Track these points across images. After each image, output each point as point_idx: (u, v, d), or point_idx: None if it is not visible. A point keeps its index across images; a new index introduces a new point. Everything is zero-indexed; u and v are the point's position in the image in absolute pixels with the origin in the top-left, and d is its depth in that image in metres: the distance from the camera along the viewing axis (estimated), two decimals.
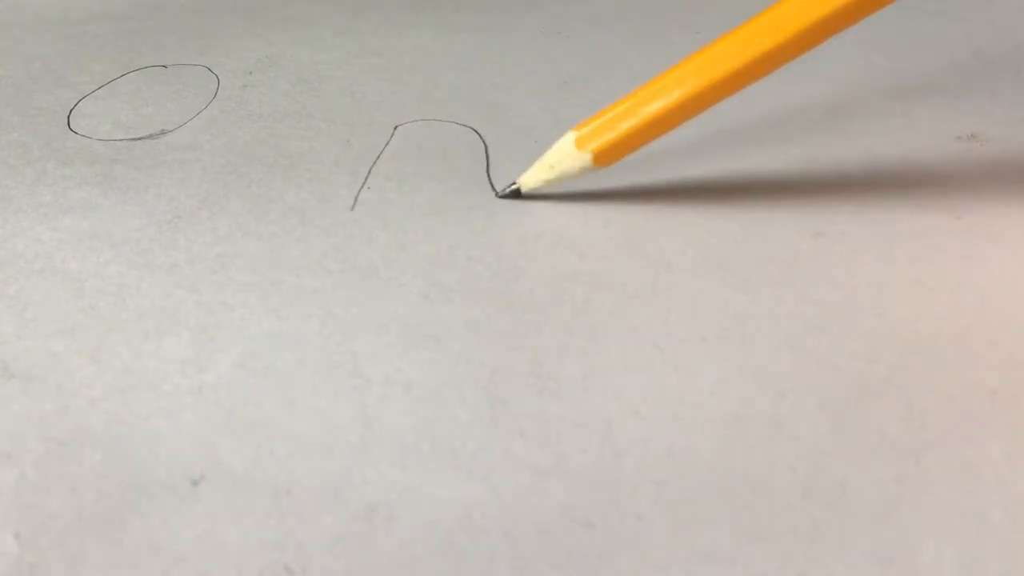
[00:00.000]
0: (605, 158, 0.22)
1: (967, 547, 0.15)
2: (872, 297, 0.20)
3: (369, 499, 0.16)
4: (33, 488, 0.16)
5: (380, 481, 0.16)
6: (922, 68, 0.29)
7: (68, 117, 0.28)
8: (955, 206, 0.22)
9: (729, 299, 0.20)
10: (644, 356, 0.18)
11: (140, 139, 0.26)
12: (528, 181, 0.23)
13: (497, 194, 0.23)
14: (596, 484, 0.16)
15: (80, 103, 0.28)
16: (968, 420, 0.17)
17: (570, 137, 0.22)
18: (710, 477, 0.16)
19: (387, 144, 0.26)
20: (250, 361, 0.19)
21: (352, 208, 0.23)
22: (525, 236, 0.22)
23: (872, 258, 0.21)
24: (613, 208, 0.23)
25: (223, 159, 0.25)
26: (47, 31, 0.34)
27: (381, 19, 0.34)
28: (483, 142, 0.26)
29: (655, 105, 0.21)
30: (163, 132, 0.27)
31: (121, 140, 0.26)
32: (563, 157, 0.22)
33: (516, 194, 0.23)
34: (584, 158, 0.22)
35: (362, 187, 0.24)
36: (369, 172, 0.24)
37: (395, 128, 0.27)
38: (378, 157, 0.25)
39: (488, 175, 0.24)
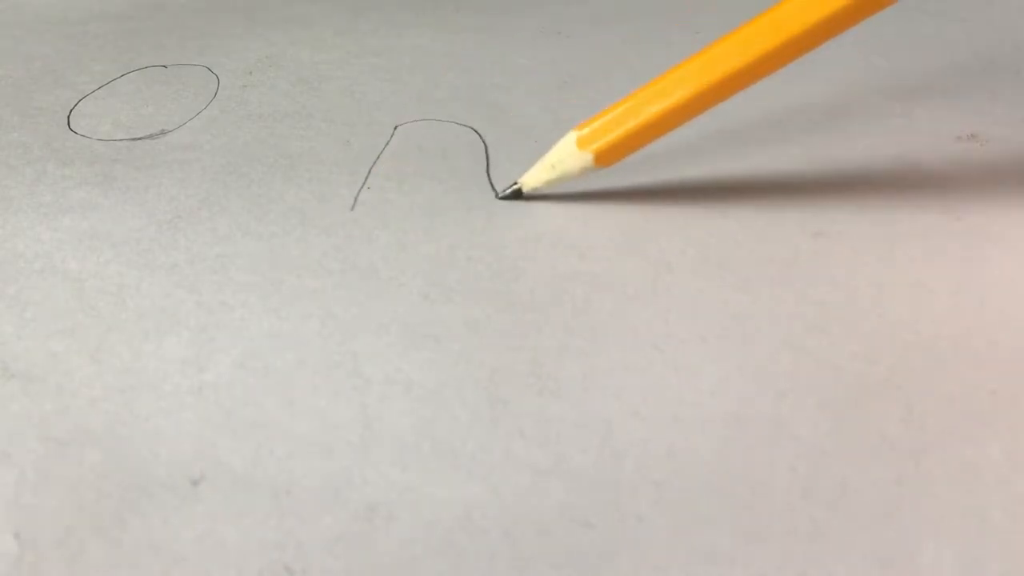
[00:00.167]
0: (606, 158, 0.22)
1: (967, 547, 0.15)
2: (872, 297, 0.20)
3: (369, 499, 0.16)
4: (33, 488, 0.16)
5: (380, 481, 0.16)
6: (922, 68, 0.29)
7: (68, 117, 0.28)
8: (955, 206, 0.22)
9: (729, 299, 0.20)
10: (644, 356, 0.18)
11: (140, 139, 0.26)
12: (529, 181, 0.23)
13: (498, 195, 0.23)
14: (596, 484, 0.16)
15: (80, 103, 0.28)
16: (968, 420, 0.17)
17: (571, 137, 0.22)
18: (710, 477, 0.16)
19: (387, 144, 0.26)
20: (250, 361, 0.19)
21: (352, 208, 0.23)
22: (525, 236, 0.22)
23: (872, 258, 0.21)
24: (613, 208, 0.23)
25: (223, 159, 0.25)
26: (47, 31, 0.34)
27: (381, 19, 0.34)
28: (483, 142, 0.26)
29: (657, 105, 0.21)
30: (163, 132, 0.27)
31: (121, 140, 0.26)
32: (564, 157, 0.22)
33: (517, 194, 0.23)
34: (585, 158, 0.22)
35: (362, 187, 0.24)
36: (369, 172, 0.24)
37: (395, 128, 0.27)
38: (378, 157, 0.25)
39: (488, 175, 0.24)
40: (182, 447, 0.17)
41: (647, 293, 0.20)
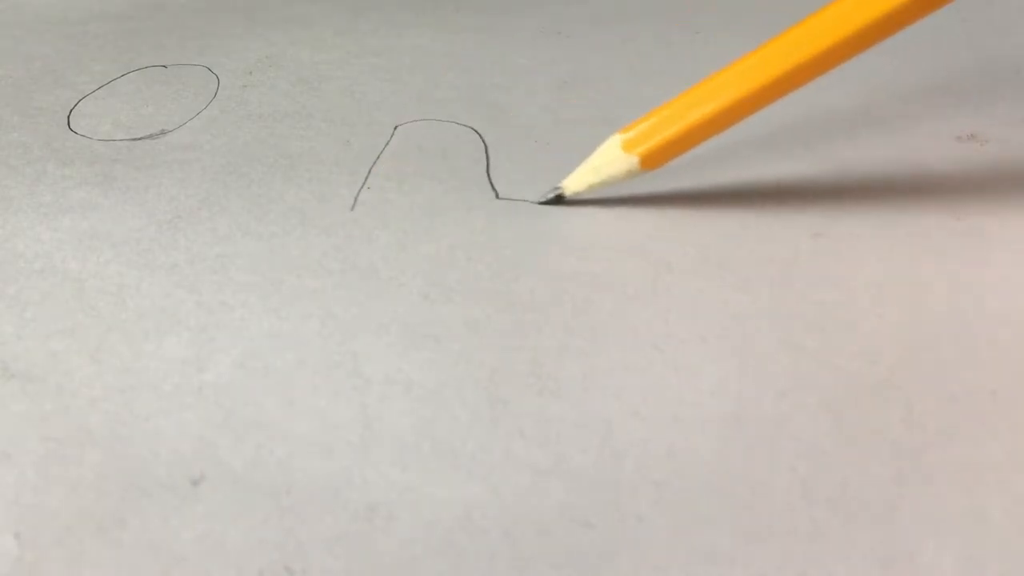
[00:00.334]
0: (653, 161, 0.22)
1: (967, 547, 0.15)
2: (872, 297, 0.20)
3: (369, 499, 0.16)
4: (33, 488, 0.16)
5: (380, 481, 0.16)
6: (922, 68, 0.29)
7: (68, 117, 0.28)
8: (955, 206, 0.22)
9: (729, 299, 0.20)
10: (644, 356, 0.18)
11: (140, 139, 0.26)
12: (572, 185, 0.22)
13: (538, 201, 0.23)
14: (596, 484, 0.16)
15: (80, 103, 0.28)
16: (968, 420, 0.17)
17: (616, 139, 0.22)
18: (710, 477, 0.16)
19: (387, 144, 0.26)
20: (250, 361, 0.19)
21: (352, 208, 0.23)
22: (525, 236, 0.22)
23: (872, 258, 0.21)
24: (613, 208, 0.23)
25: (223, 159, 0.25)
26: (47, 31, 0.34)
27: (381, 19, 0.34)
28: (483, 142, 0.26)
29: (706, 106, 0.21)
30: (163, 132, 0.27)
31: (121, 140, 0.26)
32: (609, 160, 0.22)
33: (559, 199, 0.23)
34: (631, 161, 0.22)
35: (362, 187, 0.24)
36: (369, 172, 0.24)
37: (395, 128, 0.27)
38: (378, 157, 0.25)
39: (488, 175, 0.24)
40: (182, 447, 0.17)
41: (647, 293, 0.20)
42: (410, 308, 0.20)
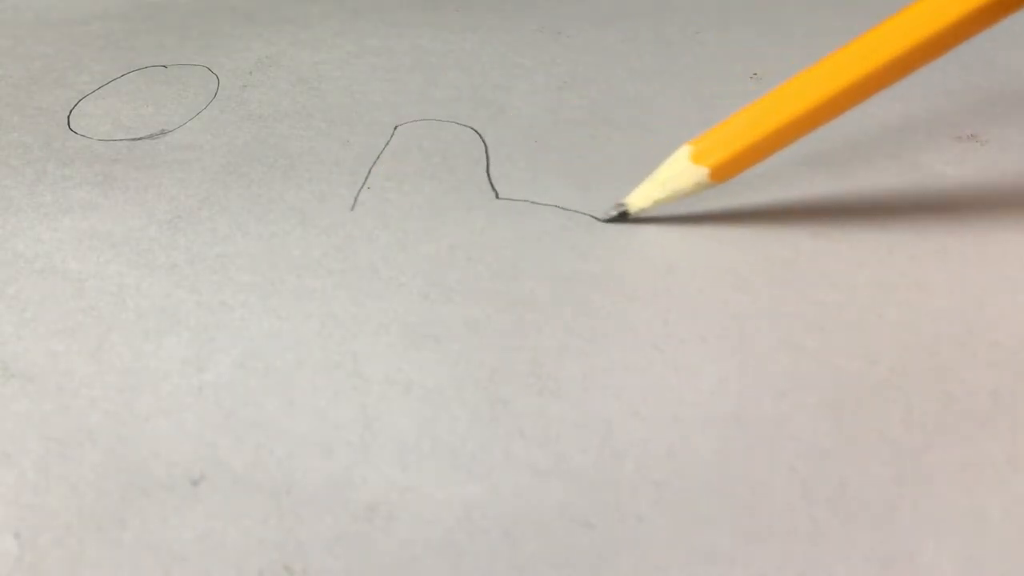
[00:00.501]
0: (723, 173, 0.21)
1: (967, 547, 0.15)
2: (872, 297, 0.20)
3: (369, 499, 0.16)
4: (33, 488, 0.16)
5: (380, 481, 0.16)
6: (922, 68, 0.29)
7: (68, 117, 0.28)
8: (955, 206, 0.22)
9: (729, 299, 0.20)
10: (644, 356, 0.18)
11: (140, 139, 0.26)
12: (637, 201, 0.21)
13: (601, 218, 0.22)
14: (596, 484, 0.16)
15: (80, 103, 0.28)
16: (968, 420, 0.17)
17: (685, 151, 0.21)
18: (710, 477, 0.16)
19: (387, 144, 0.26)
20: (250, 361, 0.19)
21: (352, 208, 0.23)
22: (525, 236, 0.22)
23: (872, 258, 0.21)
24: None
25: (223, 159, 0.25)
26: (47, 31, 0.34)
27: (381, 19, 0.34)
28: (483, 142, 0.26)
29: (781, 115, 0.20)
30: (163, 132, 0.27)
31: (121, 140, 0.26)
32: (677, 173, 0.21)
33: (623, 217, 0.22)
34: (700, 173, 0.21)
35: (362, 187, 0.24)
36: (369, 172, 0.24)
37: (395, 128, 0.27)
38: (378, 157, 0.25)
39: (488, 175, 0.24)
40: (182, 447, 0.17)
41: (647, 293, 0.20)
42: (410, 308, 0.20)
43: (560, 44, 0.31)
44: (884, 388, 0.17)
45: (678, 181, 0.21)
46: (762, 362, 0.18)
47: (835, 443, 0.16)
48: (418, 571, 0.15)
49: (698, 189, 0.21)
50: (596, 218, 0.22)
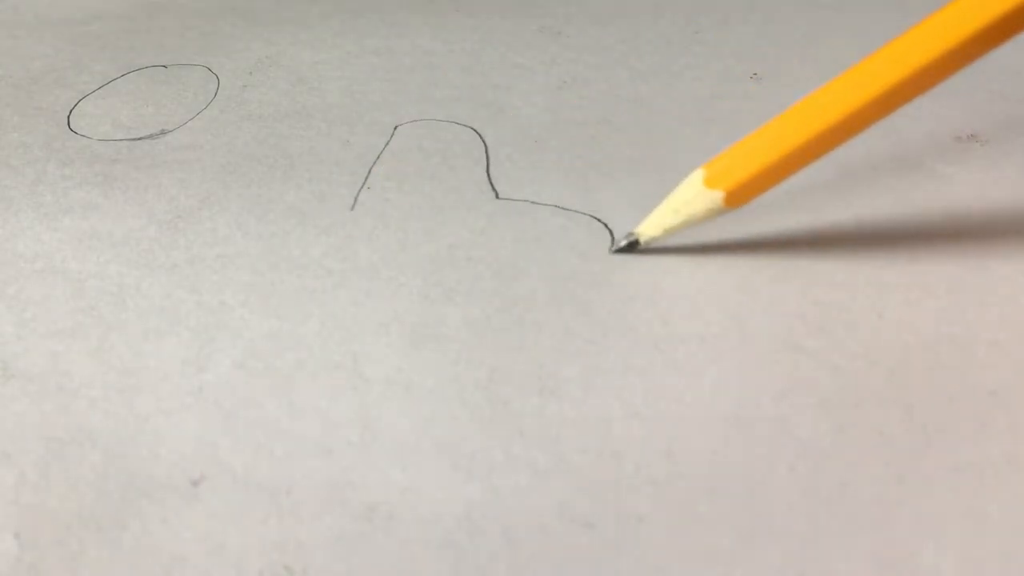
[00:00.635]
0: (739, 197, 0.20)
1: (967, 547, 0.15)
2: (872, 297, 0.20)
3: (369, 499, 0.16)
4: (33, 488, 0.16)
5: (380, 481, 0.16)
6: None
7: (68, 117, 0.28)
8: (955, 206, 0.22)
9: (729, 299, 0.20)
10: (644, 356, 0.18)
11: (140, 139, 0.26)
12: (648, 230, 0.21)
13: (611, 249, 0.21)
14: (596, 484, 0.16)
15: (80, 103, 0.28)
16: (968, 420, 0.17)
17: (698, 175, 0.20)
18: (710, 477, 0.16)
19: (387, 144, 0.26)
20: (250, 361, 0.19)
21: (352, 208, 0.23)
22: (525, 236, 0.22)
23: (872, 258, 0.21)
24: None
25: (223, 159, 0.25)
26: (47, 31, 0.34)
27: (381, 19, 0.34)
28: (483, 142, 0.26)
29: (799, 134, 0.19)
30: (163, 132, 0.27)
31: (121, 140, 0.26)
32: (690, 198, 0.20)
33: (632, 247, 0.21)
34: (714, 197, 0.20)
35: (362, 187, 0.24)
36: (369, 172, 0.24)
37: (395, 128, 0.27)
38: (378, 157, 0.25)
39: (488, 175, 0.24)
40: (182, 447, 0.17)
41: (647, 293, 0.20)
42: (410, 308, 0.20)
43: (560, 44, 0.31)
44: (884, 388, 0.17)
45: (691, 207, 0.20)
46: (762, 362, 0.18)
47: (835, 443, 0.16)
48: (418, 571, 0.15)
49: (711, 215, 0.20)
50: (609, 251, 0.21)
